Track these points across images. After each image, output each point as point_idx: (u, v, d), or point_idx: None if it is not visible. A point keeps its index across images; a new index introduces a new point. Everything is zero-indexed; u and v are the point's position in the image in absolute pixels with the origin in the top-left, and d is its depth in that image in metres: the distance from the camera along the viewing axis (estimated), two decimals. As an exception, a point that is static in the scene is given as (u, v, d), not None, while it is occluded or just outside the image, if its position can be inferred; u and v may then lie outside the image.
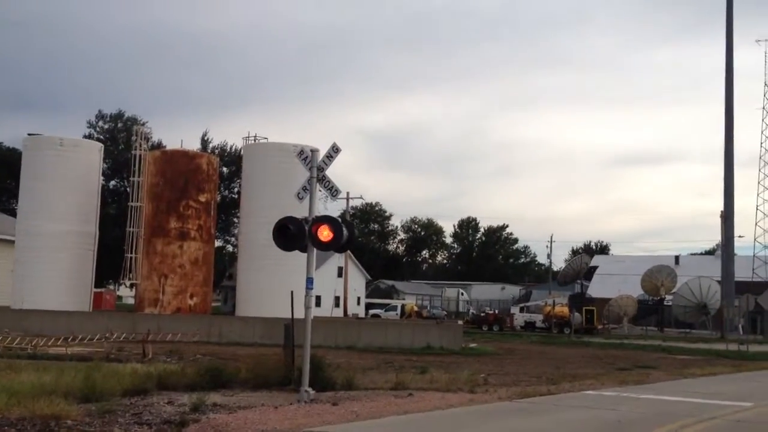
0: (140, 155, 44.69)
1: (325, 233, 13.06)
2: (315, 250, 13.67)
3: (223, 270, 71.12)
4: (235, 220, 72.90)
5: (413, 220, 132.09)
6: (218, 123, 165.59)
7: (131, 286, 46.67)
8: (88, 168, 43.95)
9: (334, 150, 13.71)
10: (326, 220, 13.29)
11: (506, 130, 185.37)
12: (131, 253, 43.21)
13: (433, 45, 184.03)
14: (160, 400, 13.52)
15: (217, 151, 76.97)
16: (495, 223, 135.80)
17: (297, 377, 14.69)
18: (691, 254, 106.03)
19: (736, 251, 67.63)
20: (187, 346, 28.83)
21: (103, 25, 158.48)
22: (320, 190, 14.64)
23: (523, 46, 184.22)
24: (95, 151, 45.77)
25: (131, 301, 61.10)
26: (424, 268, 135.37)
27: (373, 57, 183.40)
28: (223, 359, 22.03)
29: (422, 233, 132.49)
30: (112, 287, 73.16)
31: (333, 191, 13.86)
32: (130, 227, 43.61)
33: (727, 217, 65.78)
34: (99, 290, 61.12)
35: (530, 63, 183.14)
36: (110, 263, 55.52)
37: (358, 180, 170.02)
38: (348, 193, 67.63)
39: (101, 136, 73.46)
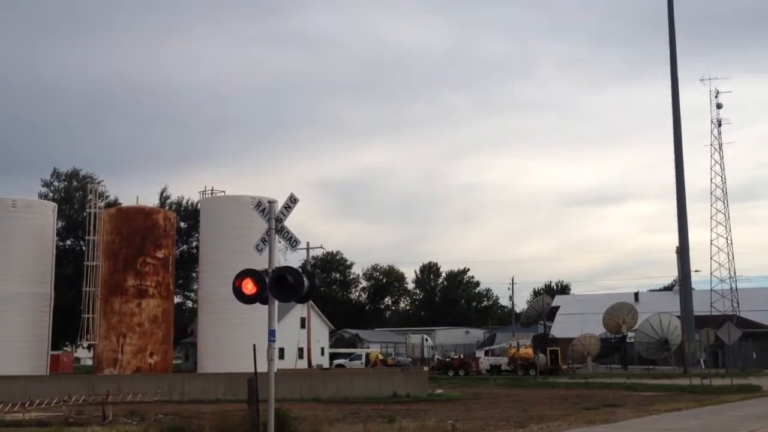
0: (95, 213, 44.17)
1: (286, 284, 12.96)
2: (276, 302, 13.54)
3: (183, 326, 69.99)
4: (195, 275, 72.03)
5: (374, 268, 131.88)
6: (176, 178, 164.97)
7: (89, 346, 45.73)
8: (42, 228, 43.32)
9: (292, 201, 13.68)
10: (287, 271, 13.20)
11: (463, 175, 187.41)
12: (88, 313, 42.43)
13: (389, 93, 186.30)
14: (122, 464, 13.16)
15: (174, 206, 76.30)
16: (456, 267, 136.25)
17: (262, 433, 14.42)
18: (650, 290, 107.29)
19: (693, 286, 68.60)
20: (149, 406, 28.19)
21: (58, 80, 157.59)
22: (280, 242, 14.57)
23: (474, 92, 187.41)
24: (49, 211, 45.19)
25: (90, 362, 59.78)
26: (387, 315, 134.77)
27: (329, 107, 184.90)
28: (186, 418, 21.56)
29: (384, 280, 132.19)
30: (69, 349, 71.49)
31: (292, 242, 13.80)
32: (86, 287, 42.90)
33: (683, 252, 66.86)
34: (56, 353, 59.73)
35: (483, 108, 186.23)
36: (67, 324, 54.34)
37: (318, 230, 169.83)
38: (308, 243, 67.39)
39: (56, 195, 72.41)
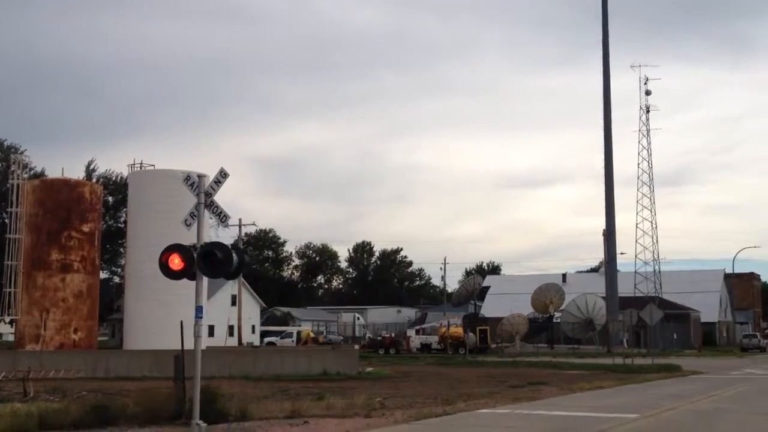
0: (18, 184, 42.73)
1: (214, 260, 12.74)
2: (204, 278, 13.30)
3: (110, 303, 68.55)
4: (122, 250, 70.60)
5: (308, 246, 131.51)
6: (106, 152, 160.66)
7: (11, 322, 44.38)
8: (-39, 199, 41.78)
9: (222, 175, 13.43)
10: (216, 246, 12.97)
11: (398, 156, 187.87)
12: (10, 287, 41.11)
13: (324, 72, 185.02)
14: (41, 442, 12.80)
15: (102, 179, 74.42)
16: (389, 247, 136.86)
17: (188, 410, 14.20)
18: (578, 272, 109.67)
19: (618, 268, 70.32)
20: (72, 382, 27.54)
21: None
22: (211, 218, 14.30)
23: (411, 74, 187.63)
24: (-31, 181, 43.58)
25: (12, 338, 58.07)
26: (320, 293, 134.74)
27: (265, 84, 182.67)
28: (110, 395, 21.13)
29: (317, 259, 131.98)
30: (-10, 324, 69.34)
31: (222, 217, 13.55)
32: (8, 260, 41.52)
33: (609, 235, 68.42)
34: (-25, 328, 57.90)
35: (419, 90, 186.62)
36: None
37: (251, 206, 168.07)
38: (240, 220, 66.52)
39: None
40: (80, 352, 38.70)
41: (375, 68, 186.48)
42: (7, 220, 47.03)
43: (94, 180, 69.44)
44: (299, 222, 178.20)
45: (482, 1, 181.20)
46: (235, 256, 12.99)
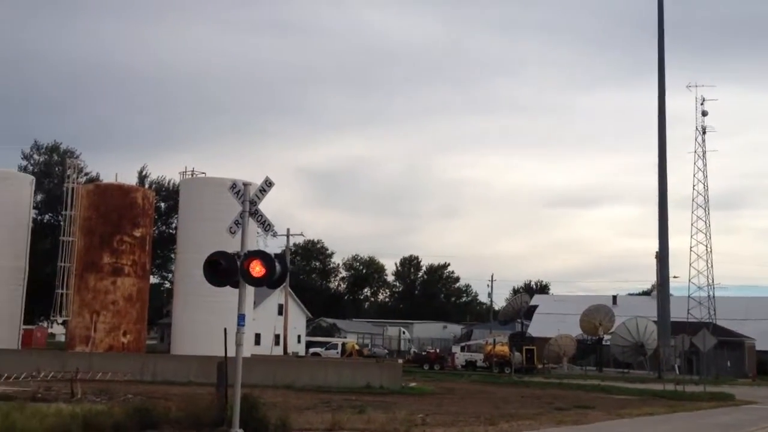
0: (73, 188, 43.58)
1: (257, 269, 12.69)
2: (247, 285, 13.26)
3: (160, 307, 69.51)
4: (173, 256, 71.54)
5: (355, 258, 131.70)
6: (157, 159, 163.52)
7: (63, 323, 45.22)
8: (18, 201, 42.71)
9: (267, 184, 13.40)
10: (258, 255, 12.93)
11: (448, 171, 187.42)
12: (62, 288, 41.89)
13: (375, 85, 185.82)
14: (82, 443, 12.86)
15: (154, 186, 75.61)
16: (437, 262, 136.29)
17: (230, 417, 14.18)
18: (629, 294, 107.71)
19: (671, 291, 68.92)
20: (119, 385, 27.90)
21: (43, 56, 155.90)
22: (258, 232, 14.35)
23: (461, 89, 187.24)
24: (26, 184, 44.58)
25: (64, 338, 59.23)
26: (365, 306, 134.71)
27: (315, 96, 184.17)
28: (154, 398, 21.27)
29: (364, 271, 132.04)
30: (44, 324, 70.80)
31: (266, 226, 13.52)
32: (61, 262, 42.33)
33: (662, 258, 67.07)
34: (30, 327, 59.13)
35: (469, 105, 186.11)
36: (43, 299, 53.73)
37: (300, 217, 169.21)
38: (288, 230, 67.10)
39: (36, 169, 71.54)
40: (128, 355, 39.22)
41: (425, 83, 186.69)
42: (61, 223, 48.02)
43: (146, 186, 70.65)
44: (347, 234, 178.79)
45: (535, 19, 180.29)
46: (278, 266, 12.93)
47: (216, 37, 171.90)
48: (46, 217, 73.54)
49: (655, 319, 66.47)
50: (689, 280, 70.18)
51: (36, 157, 76.92)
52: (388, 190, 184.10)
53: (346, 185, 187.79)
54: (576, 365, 68.71)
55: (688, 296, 69.03)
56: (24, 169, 68.41)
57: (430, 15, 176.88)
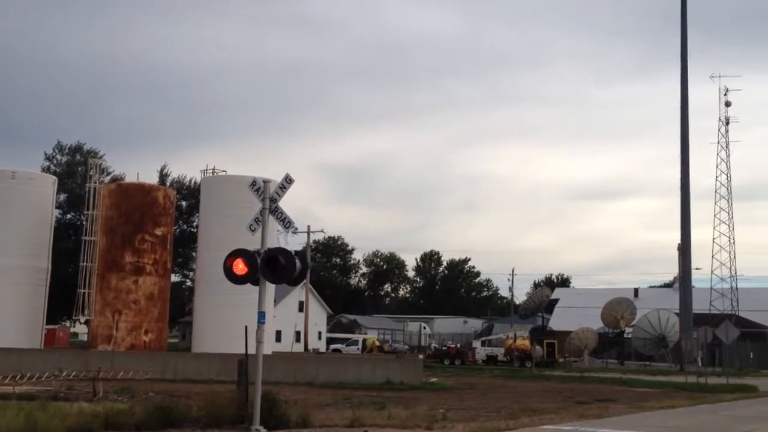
0: (95, 188, 43.93)
1: (277, 266, 12.74)
2: (268, 283, 13.32)
3: (181, 305, 69.93)
4: (194, 254, 71.93)
5: (375, 254, 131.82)
6: (178, 157, 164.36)
7: (85, 322, 45.62)
8: (41, 201, 43.10)
9: (287, 181, 13.44)
10: (279, 252, 12.99)
11: (467, 165, 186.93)
12: (84, 288, 42.25)
13: (394, 80, 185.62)
14: (104, 442, 12.97)
15: (175, 184, 76.09)
16: (457, 257, 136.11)
17: (250, 415, 14.26)
18: (650, 287, 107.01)
19: (693, 284, 68.28)
20: (141, 383, 28.06)
21: (65, 56, 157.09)
22: (279, 231, 14.39)
23: (481, 82, 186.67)
24: (49, 184, 44.95)
25: (86, 337, 59.79)
26: (386, 302, 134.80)
27: (335, 92, 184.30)
28: (175, 397, 21.39)
29: (384, 267, 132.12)
30: (67, 324, 71.49)
31: (286, 223, 13.56)
32: (83, 262, 42.70)
33: (685, 250, 66.55)
34: (53, 327, 59.70)
35: (489, 99, 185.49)
36: (65, 299, 54.28)
37: (320, 214, 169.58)
38: (309, 227, 67.35)
39: (59, 169, 72.20)
40: (150, 353, 39.50)
41: (445, 77, 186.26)
42: (84, 223, 48.42)
43: (167, 185, 71.09)
44: (367, 230, 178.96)
45: (554, 9, 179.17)
46: (298, 263, 12.97)
47: (237, 33, 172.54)
48: (69, 216, 74.33)
49: (677, 311, 66.00)
50: (712, 272, 69.57)
51: (59, 157, 77.74)
52: (408, 185, 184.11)
53: (366, 181, 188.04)
54: (597, 359, 68.39)
55: (711, 288, 68.42)
56: (47, 170, 69.10)
57: (450, 6, 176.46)
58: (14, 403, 17.65)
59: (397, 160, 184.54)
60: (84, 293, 42.20)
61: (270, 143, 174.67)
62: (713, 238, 69.90)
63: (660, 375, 48.59)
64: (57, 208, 54.91)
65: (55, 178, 48.55)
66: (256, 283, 13.32)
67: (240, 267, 13.08)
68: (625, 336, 72.60)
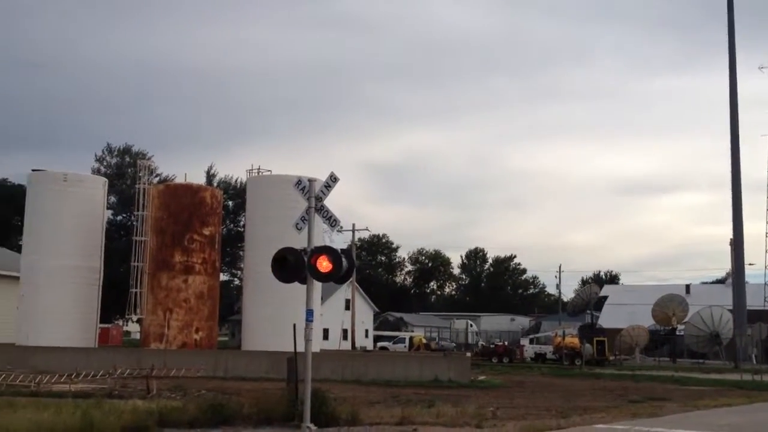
0: (145, 189, 44.64)
1: (324, 264, 12.78)
2: (315, 281, 13.37)
3: (230, 304, 70.73)
4: (241, 253, 72.65)
5: (420, 252, 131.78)
6: (225, 157, 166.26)
7: (138, 321, 46.38)
8: (93, 203, 43.88)
9: (332, 179, 13.48)
10: (325, 250, 13.02)
11: (512, 161, 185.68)
12: (136, 287, 42.98)
13: (438, 77, 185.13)
14: (158, 438, 13.17)
15: (222, 184, 77.02)
16: (503, 254, 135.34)
17: (300, 412, 14.35)
18: (702, 283, 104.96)
19: (747, 279, 66.96)
20: (193, 381, 28.45)
21: (111, 59, 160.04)
22: (325, 230, 14.46)
23: (526, 78, 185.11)
24: (99, 186, 45.75)
25: (139, 336, 60.81)
26: (432, 299, 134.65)
27: (378, 90, 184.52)
28: (227, 394, 21.64)
29: (430, 264, 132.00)
30: (120, 322, 72.82)
31: (332, 221, 13.60)
32: (134, 261, 43.44)
33: (737, 244, 65.17)
34: (106, 326, 60.86)
35: (534, 95, 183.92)
36: (118, 298, 55.26)
37: (365, 212, 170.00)
38: (353, 225, 67.56)
39: (108, 171, 73.61)
40: (201, 351, 39.99)
41: (489, 73, 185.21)
42: (134, 223, 49.21)
43: (214, 185, 71.97)
44: (412, 227, 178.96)
45: (598, 3, 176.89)
46: (344, 261, 13.00)
47: (279, 33, 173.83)
48: (120, 217, 75.74)
49: (730, 307, 64.69)
50: (766, 267, 68.14)
51: (108, 159, 79.30)
52: (453, 182, 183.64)
53: (411, 179, 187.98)
54: (648, 356, 67.34)
55: (765, 283, 67.01)
56: (97, 171, 70.49)
57: (490, 3, 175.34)
58: (71, 401, 18.03)
59: (441, 157, 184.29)
60: (136, 292, 42.91)
61: (314, 143, 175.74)
62: (766, 233, 68.36)
63: (714, 373, 47.65)
64: (108, 209, 55.91)
65: (105, 179, 49.39)
66: (303, 281, 13.38)
67: (287, 265, 13.15)
68: (677, 333, 71.39)
